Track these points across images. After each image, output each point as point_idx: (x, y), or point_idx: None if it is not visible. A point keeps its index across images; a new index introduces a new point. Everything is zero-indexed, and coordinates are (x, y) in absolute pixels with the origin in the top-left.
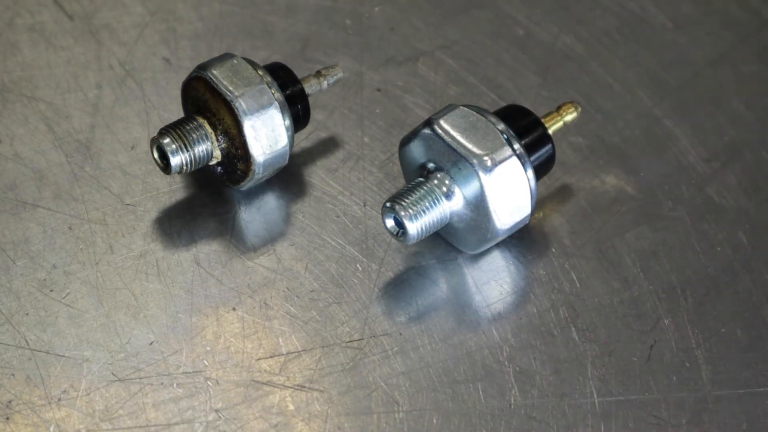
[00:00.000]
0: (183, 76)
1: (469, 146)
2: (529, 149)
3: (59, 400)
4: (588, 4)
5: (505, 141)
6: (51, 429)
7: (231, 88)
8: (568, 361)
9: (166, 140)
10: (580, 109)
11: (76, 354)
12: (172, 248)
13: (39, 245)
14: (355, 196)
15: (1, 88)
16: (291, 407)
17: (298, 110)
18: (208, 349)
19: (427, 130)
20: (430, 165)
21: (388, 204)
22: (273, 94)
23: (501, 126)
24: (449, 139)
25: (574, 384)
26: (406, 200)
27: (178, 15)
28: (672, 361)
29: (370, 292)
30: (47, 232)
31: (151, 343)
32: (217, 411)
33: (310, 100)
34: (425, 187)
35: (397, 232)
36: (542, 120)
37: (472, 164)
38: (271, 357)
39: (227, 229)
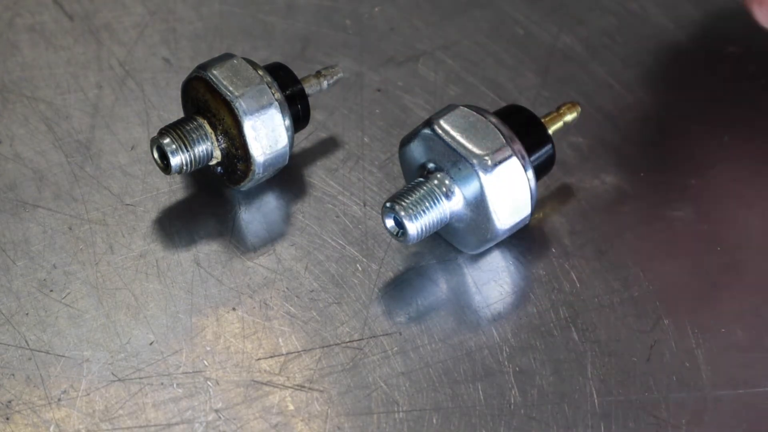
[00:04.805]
0: (183, 76)
1: (469, 146)
2: (529, 149)
3: (59, 400)
4: (588, 4)
5: (505, 141)
6: (51, 429)
7: (231, 89)
8: (568, 361)
9: (166, 140)
10: (580, 109)
11: (76, 354)
12: (172, 248)
13: (39, 245)
14: (355, 196)
15: (1, 88)
16: (291, 407)
17: (298, 110)
18: (208, 349)
19: (427, 131)
20: (430, 165)
21: (388, 204)
22: (273, 94)
23: (501, 126)
24: (449, 140)
25: (574, 384)
26: (406, 200)
27: (178, 15)
28: (672, 361)
29: (370, 292)
30: (47, 232)
31: (151, 343)
32: (217, 411)
33: (310, 100)
34: (425, 188)
35: (397, 233)
36: (542, 120)
37: (472, 164)
38: (271, 357)
39: (227, 229)
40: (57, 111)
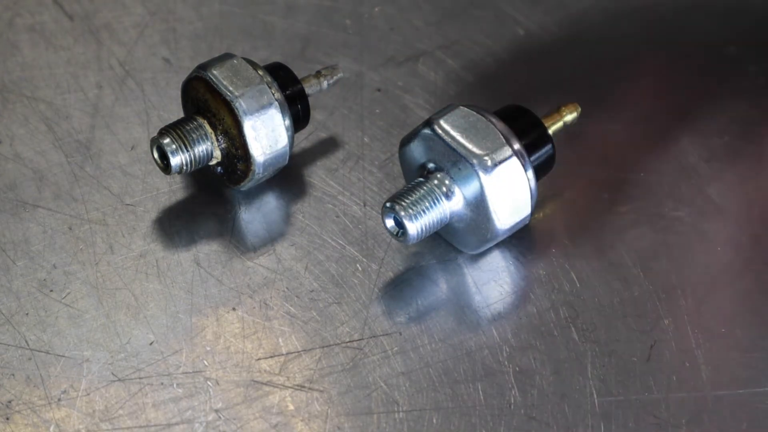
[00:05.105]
0: (183, 76)
1: (469, 146)
2: (529, 149)
3: (59, 400)
4: (588, 4)
5: (505, 141)
6: (51, 429)
7: (231, 88)
8: (568, 361)
9: (166, 140)
10: (580, 109)
11: (76, 354)
12: (172, 248)
13: (39, 245)
14: (355, 196)
15: (1, 88)
16: (291, 407)
17: (298, 110)
18: (208, 349)
19: (427, 130)
20: (430, 165)
21: (388, 204)
22: (273, 94)
23: (501, 126)
24: (449, 139)
25: (574, 384)
26: (406, 200)
27: (178, 15)
28: (672, 361)
29: (370, 292)
30: (47, 232)
31: (151, 343)
32: (217, 411)
33: (310, 100)
34: (425, 187)
35: (397, 233)
36: (542, 120)
37: (472, 164)
38: (271, 357)
39: (227, 229)
40: (57, 111)
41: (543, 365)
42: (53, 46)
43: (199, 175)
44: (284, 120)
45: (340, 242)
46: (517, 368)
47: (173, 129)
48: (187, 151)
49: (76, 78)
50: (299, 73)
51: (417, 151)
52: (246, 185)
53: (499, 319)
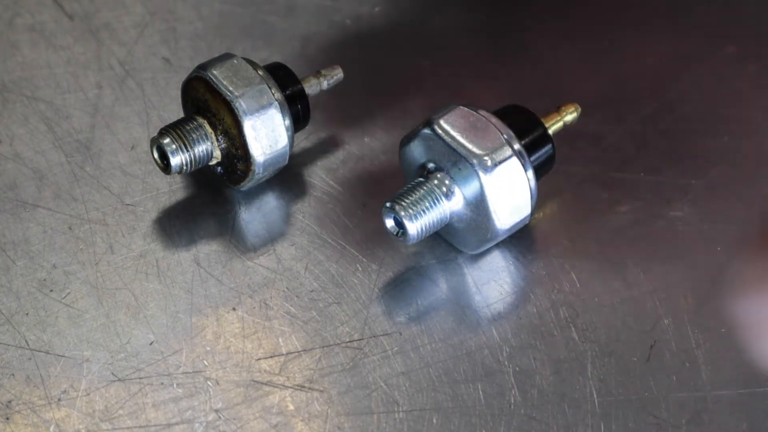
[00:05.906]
0: (183, 76)
1: (469, 146)
2: (529, 149)
3: (59, 400)
4: (588, 4)
5: (505, 141)
6: (51, 429)
7: (231, 88)
8: (568, 361)
9: (166, 140)
10: (580, 109)
11: (76, 354)
12: (172, 248)
13: (39, 245)
14: (355, 196)
15: (1, 88)
16: (291, 407)
17: (298, 110)
18: (208, 349)
19: (426, 130)
20: (430, 165)
21: (388, 204)
22: (273, 94)
23: (501, 126)
24: (449, 139)
25: (574, 384)
26: (406, 200)
27: (178, 15)
28: (672, 361)
29: (370, 292)
30: (47, 232)
31: (151, 343)
32: (217, 411)
33: (310, 100)
34: (425, 187)
35: (397, 232)
36: (542, 120)
37: (472, 164)
38: (271, 357)
39: (227, 229)
40: (57, 111)
41: (543, 365)
42: (53, 46)
43: (199, 175)
44: (284, 120)
45: (340, 242)
46: (517, 368)
47: (173, 129)
48: (187, 151)
49: (76, 78)
50: (299, 73)
51: (417, 151)
52: (246, 185)
53: (499, 319)
